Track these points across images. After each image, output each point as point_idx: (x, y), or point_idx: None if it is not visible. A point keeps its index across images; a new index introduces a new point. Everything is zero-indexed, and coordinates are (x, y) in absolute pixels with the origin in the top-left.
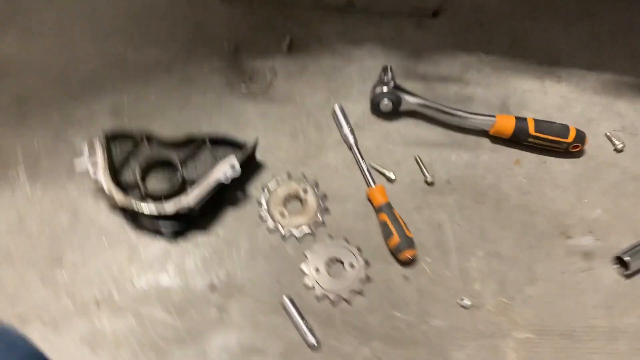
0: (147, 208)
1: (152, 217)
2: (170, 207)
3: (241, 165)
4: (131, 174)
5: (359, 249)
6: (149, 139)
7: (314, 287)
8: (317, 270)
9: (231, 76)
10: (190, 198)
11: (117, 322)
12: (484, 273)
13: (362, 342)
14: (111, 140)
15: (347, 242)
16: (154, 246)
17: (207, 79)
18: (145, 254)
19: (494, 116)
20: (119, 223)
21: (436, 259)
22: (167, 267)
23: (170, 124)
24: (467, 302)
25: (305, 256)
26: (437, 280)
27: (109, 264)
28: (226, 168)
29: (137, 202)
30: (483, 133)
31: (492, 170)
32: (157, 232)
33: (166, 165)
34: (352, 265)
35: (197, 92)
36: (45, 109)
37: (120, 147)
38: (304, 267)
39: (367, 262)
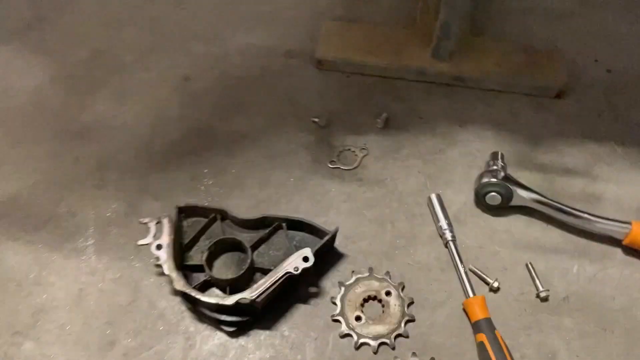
0: (207, 298)
1: (213, 307)
2: (231, 300)
3: (316, 256)
4: (200, 254)
5: None
6: (223, 217)
7: None
8: None
9: (319, 153)
10: (255, 291)
11: None
12: None
13: None
14: (184, 216)
15: None
16: (212, 340)
17: (294, 154)
18: (202, 347)
19: (629, 223)
20: (179, 309)
21: None
22: None
23: (248, 201)
24: None
25: None
26: None
27: (162, 353)
28: (298, 261)
29: (197, 290)
30: (614, 242)
31: (624, 289)
32: (217, 323)
33: (237, 247)
34: None
35: (280, 168)
36: (124, 176)
37: (193, 223)
38: None
39: None
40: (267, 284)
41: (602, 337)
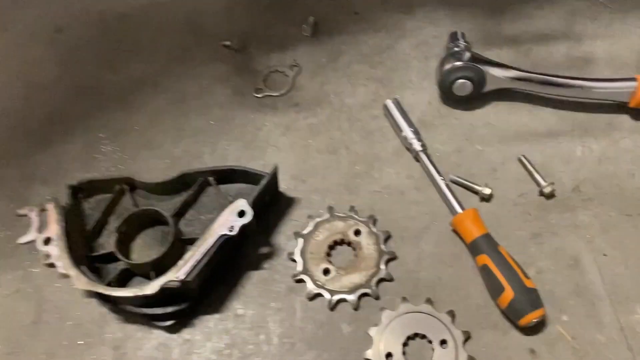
0: (122, 291)
1: (137, 301)
2: (153, 286)
3: (257, 207)
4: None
5: (451, 315)
6: (132, 187)
7: None
8: (390, 356)
9: (240, 83)
10: (182, 269)
11: None
12: None
13: None
14: (83, 196)
15: (432, 304)
16: (147, 342)
17: (208, 91)
18: (136, 354)
19: (633, 79)
20: (99, 314)
21: (578, 316)
22: None
23: (162, 162)
24: None
25: (370, 336)
26: (584, 352)
27: None
28: (233, 219)
29: (114, 284)
30: (618, 107)
31: None
32: (150, 320)
33: (157, 221)
34: (444, 343)
35: (195, 112)
36: (0, 164)
37: (96, 203)
38: (369, 354)
39: (467, 335)
40: (197, 257)
41: (628, 225)
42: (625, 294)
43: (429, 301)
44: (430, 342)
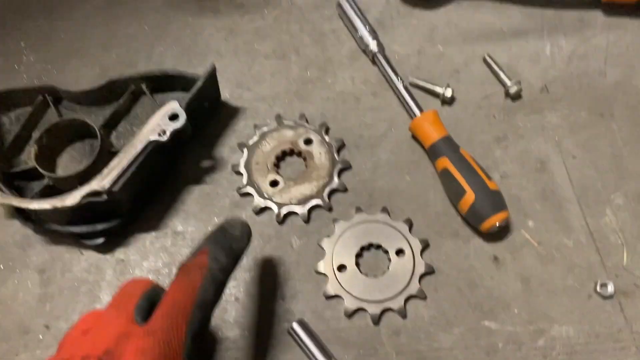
0: (40, 203)
1: (63, 218)
2: (74, 198)
3: (194, 112)
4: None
5: (408, 223)
6: (57, 98)
7: (340, 298)
8: (343, 268)
9: None
10: (107, 178)
11: None
12: (632, 232)
13: None
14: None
15: (388, 213)
16: (77, 264)
17: None
18: (64, 276)
19: None
20: (22, 237)
21: (544, 220)
22: (100, 296)
23: (91, 70)
24: (609, 287)
25: (322, 248)
26: (550, 257)
27: (10, 300)
28: (164, 122)
29: (24, 197)
30: (590, 3)
31: (615, 59)
32: (78, 240)
33: (85, 133)
34: (400, 252)
35: (128, 17)
36: None
37: (16, 117)
38: (320, 266)
39: (425, 244)
40: (124, 164)
41: (600, 125)
42: (594, 196)
43: (384, 210)
44: (386, 252)
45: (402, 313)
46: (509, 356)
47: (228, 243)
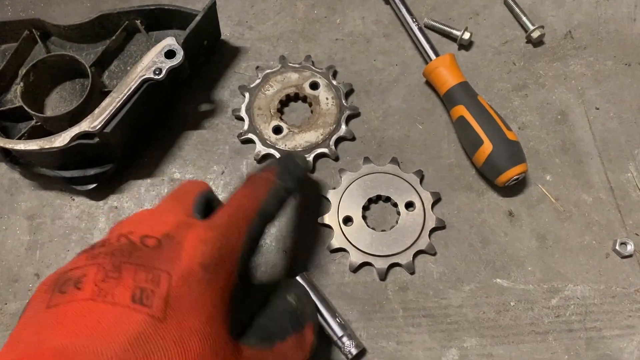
0: (26, 144)
1: (53, 162)
2: (63, 139)
3: (192, 51)
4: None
5: (419, 175)
6: (44, 33)
7: (345, 251)
8: (350, 221)
9: None
10: (98, 119)
11: None
12: None
13: (444, 341)
14: None
15: (398, 164)
16: (68, 210)
17: None
18: (55, 223)
19: None
20: (10, 180)
21: (563, 175)
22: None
23: (82, 7)
24: (629, 246)
25: (327, 199)
26: (568, 214)
27: None
28: (159, 59)
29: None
30: None
31: None
32: (69, 184)
33: (75, 72)
34: (410, 206)
35: None
36: None
37: (1, 55)
38: (325, 218)
39: (436, 197)
40: (116, 104)
41: (626, 75)
42: (617, 151)
43: (394, 161)
44: (395, 205)
45: (410, 269)
46: (520, 315)
47: (293, 168)
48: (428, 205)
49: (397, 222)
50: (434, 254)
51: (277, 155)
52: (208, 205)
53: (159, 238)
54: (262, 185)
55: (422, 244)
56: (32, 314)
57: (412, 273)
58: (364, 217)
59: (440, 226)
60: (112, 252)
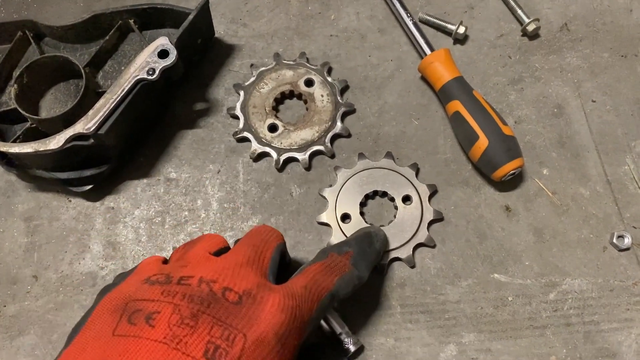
0: (20, 147)
1: (48, 163)
2: (58, 141)
3: (186, 50)
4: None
5: (414, 168)
6: (37, 34)
7: None
8: (348, 218)
9: None
10: (92, 120)
11: None
12: None
13: (442, 337)
14: None
15: (393, 159)
16: (65, 211)
17: None
18: (52, 224)
19: None
20: (6, 182)
21: (560, 169)
22: (90, 245)
23: (75, 7)
24: (626, 239)
25: (324, 197)
26: (565, 208)
27: None
28: (153, 60)
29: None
30: None
31: None
32: (65, 186)
33: (69, 72)
34: (407, 199)
35: None
36: None
37: None
38: (323, 217)
39: (433, 189)
40: (111, 105)
41: (622, 67)
42: (614, 144)
43: (389, 155)
44: (392, 199)
45: (411, 262)
46: (518, 310)
47: (370, 256)
48: (425, 198)
49: (395, 216)
50: (434, 246)
51: (274, 154)
52: (281, 259)
53: (240, 294)
54: (337, 267)
55: (422, 236)
56: (95, 336)
57: (413, 267)
58: (362, 214)
59: (438, 218)
60: (191, 297)
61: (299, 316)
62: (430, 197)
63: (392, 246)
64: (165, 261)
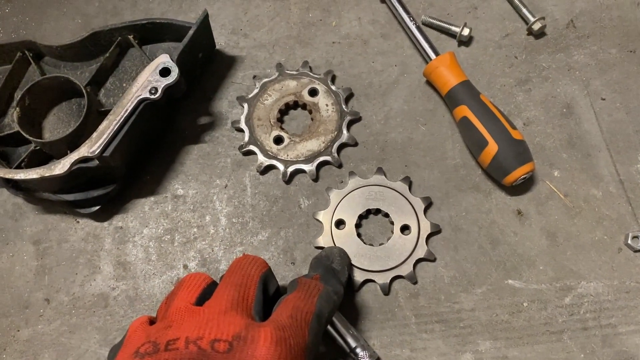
0: (26, 173)
1: (54, 186)
2: (63, 166)
3: (188, 65)
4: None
5: (426, 202)
6: (37, 53)
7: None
8: (342, 224)
9: None
10: (97, 143)
11: None
12: None
13: (458, 346)
14: None
15: (409, 185)
16: (74, 233)
17: None
18: (61, 246)
19: None
20: (13, 206)
21: (571, 170)
22: (100, 266)
23: (73, 22)
24: None
25: (327, 195)
26: (578, 209)
27: (4, 278)
28: (155, 78)
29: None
30: None
31: None
32: (72, 207)
33: (71, 92)
34: (406, 229)
35: None
36: None
37: None
38: (320, 215)
39: (427, 202)
40: (114, 127)
41: (631, 63)
42: (625, 142)
43: (405, 180)
44: (391, 223)
45: (413, 279)
46: (533, 315)
47: (335, 272)
48: (424, 236)
49: (387, 240)
50: (434, 260)
51: (280, 167)
52: (265, 291)
53: (230, 340)
54: (312, 289)
55: (421, 252)
56: None
57: (415, 283)
58: (357, 226)
59: (436, 231)
60: None
61: (294, 345)
62: (429, 236)
63: (373, 268)
64: (152, 320)
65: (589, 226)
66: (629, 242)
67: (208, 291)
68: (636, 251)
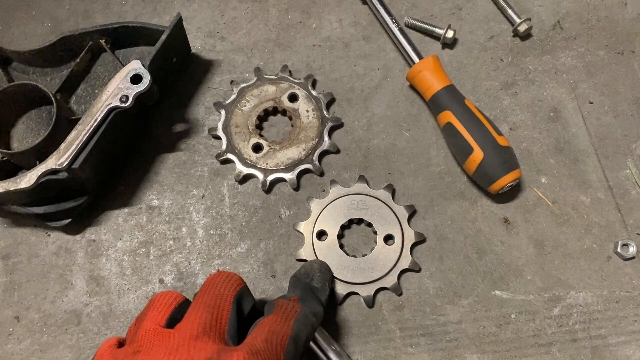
0: None
1: (21, 199)
2: (29, 179)
3: (161, 70)
4: None
5: (410, 210)
6: (3, 58)
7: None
8: (324, 235)
9: None
10: (65, 155)
11: None
12: None
13: (445, 359)
14: None
15: (393, 193)
16: (44, 247)
17: None
18: (31, 261)
19: None
20: None
21: (559, 176)
22: (73, 281)
23: (42, 27)
24: (631, 247)
25: (308, 206)
26: (566, 217)
27: None
28: (125, 86)
29: None
30: None
31: None
32: (43, 220)
33: (39, 99)
34: (389, 239)
35: None
36: None
37: None
38: (301, 227)
39: (420, 237)
40: (83, 138)
41: (619, 65)
42: (614, 146)
43: (389, 188)
44: (374, 233)
45: (398, 290)
46: (522, 327)
47: (315, 290)
48: (408, 246)
49: (371, 250)
50: (419, 270)
51: (260, 175)
52: (240, 311)
53: None
54: (289, 312)
55: (405, 262)
56: None
57: (400, 294)
58: (340, 236)
59: (420, 240)
60: None
61: None
62: (413, 246)
63: (356, 280)
64: (121, 342)
65: (577, 234)
66: (619, 250)
67: (179, 310)
68: (626, 259)
